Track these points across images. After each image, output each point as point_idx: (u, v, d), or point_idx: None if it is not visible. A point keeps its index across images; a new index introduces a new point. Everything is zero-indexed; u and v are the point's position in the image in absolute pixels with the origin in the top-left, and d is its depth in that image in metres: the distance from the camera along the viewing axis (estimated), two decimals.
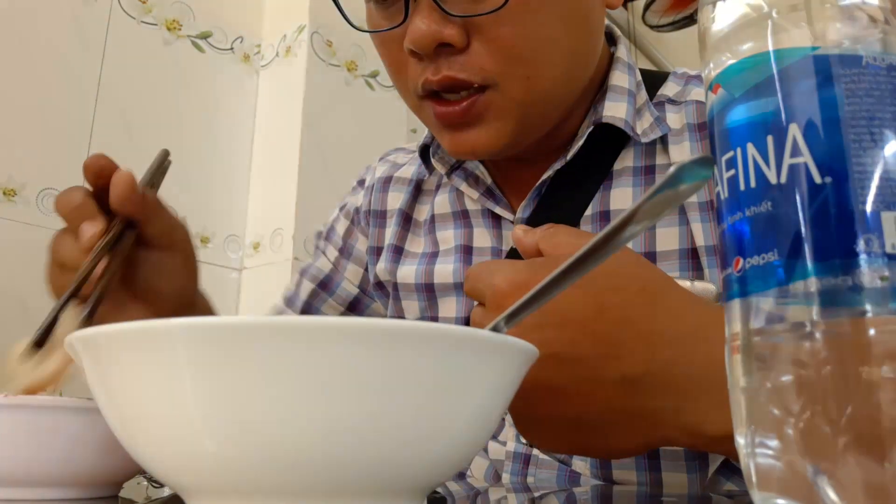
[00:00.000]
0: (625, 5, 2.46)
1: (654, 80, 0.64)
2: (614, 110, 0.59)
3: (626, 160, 0.60)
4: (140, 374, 0.23)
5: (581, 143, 0.58)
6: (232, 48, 1.56)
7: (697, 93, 0.61)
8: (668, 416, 0.35)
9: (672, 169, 0.22)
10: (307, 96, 1.47)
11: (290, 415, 0.22)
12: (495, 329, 0.27)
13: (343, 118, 1.51)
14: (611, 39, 0.65)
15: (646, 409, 0.35)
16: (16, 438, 0.33)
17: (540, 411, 0.37)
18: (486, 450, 0.61)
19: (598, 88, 0.62)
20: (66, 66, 1.30)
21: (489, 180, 0.64)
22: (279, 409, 0.22)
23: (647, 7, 2.29)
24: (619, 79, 0.61)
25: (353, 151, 1.48)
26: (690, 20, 2.26)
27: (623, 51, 0.63)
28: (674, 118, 0.60)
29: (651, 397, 0.35)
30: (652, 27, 2.37)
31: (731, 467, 0.56)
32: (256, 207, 1.52)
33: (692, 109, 0.60)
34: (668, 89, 0.63)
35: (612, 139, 0.60)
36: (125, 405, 0.25)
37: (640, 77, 0.63)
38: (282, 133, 1.49)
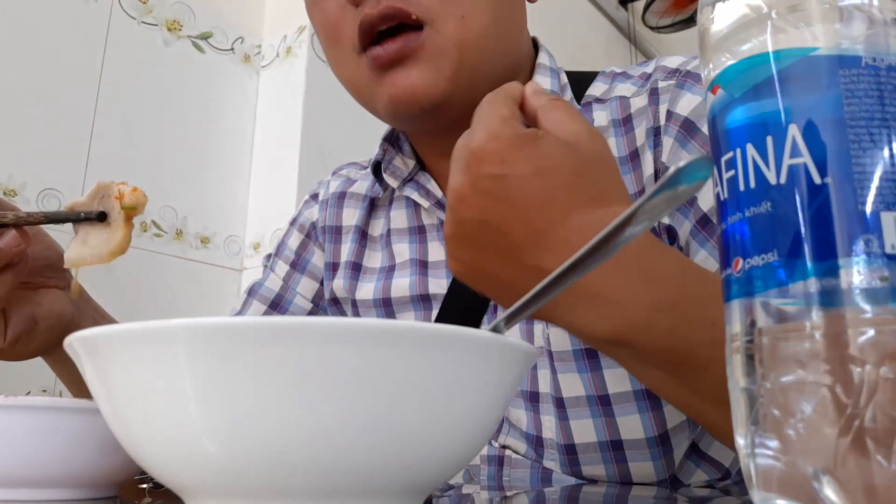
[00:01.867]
0: (625, 5, 2.46)
1: (582, 81, 0.66)
2: None
3: None
4: (140, 375, 0.23)
5: None
6: (232, 49, 1.56)
7: (621, 89, 0.62)
8: (563, 311, 0.38)
9: (671, 169, 0.22)
10: (307, 97, 1.47)
11: (289, 415, 0.22)
12: (495, 330, 0.27)
13: (343, 118, 1.51)
14: (536, 48, 0.67)
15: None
16: (16, 438, 0.33)
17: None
18: None
19: None
20: (66, 67, 1.30)
21: (440, 193, 0.66)
22: (278, 409, 0.22)
23: (646, 8, 2.29)
24: (542, 82, 0.63)
25: (352, 152, 1.47)
26: (690, 21, 2.26)
27: (545, 58, 0.65)
28: (600, 116, 0.62)
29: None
30: (651, 28, 2.37)
31: (699, 453, 0.57)
32: (256, 207, 1.52)
33: (615, 105, 0.61)
34: (596, 89, 0.64)
35: None
36: (125, 405, 0.25)
37: (565, 80, 0.65)
38: (282, 133, 1.49)
